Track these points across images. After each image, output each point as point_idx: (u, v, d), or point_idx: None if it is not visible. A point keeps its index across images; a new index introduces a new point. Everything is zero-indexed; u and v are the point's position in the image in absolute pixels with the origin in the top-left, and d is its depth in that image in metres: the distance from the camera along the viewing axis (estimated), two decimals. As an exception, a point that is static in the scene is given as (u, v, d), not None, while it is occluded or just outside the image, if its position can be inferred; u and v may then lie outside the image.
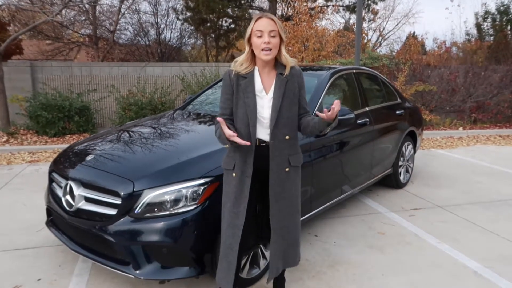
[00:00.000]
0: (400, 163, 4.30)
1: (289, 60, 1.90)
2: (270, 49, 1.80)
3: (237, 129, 1.90)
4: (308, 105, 2.06)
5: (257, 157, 1.91)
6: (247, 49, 1.88)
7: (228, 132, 1.74)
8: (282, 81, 1.89)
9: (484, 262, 2.71)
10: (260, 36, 1.79)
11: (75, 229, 2.34)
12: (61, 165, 2.61)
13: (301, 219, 2.76)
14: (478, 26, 13.40)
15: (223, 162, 2.01)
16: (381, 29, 20.96)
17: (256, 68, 1.92)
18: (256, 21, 1.82)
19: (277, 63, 1.92)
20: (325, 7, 13.58)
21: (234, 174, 1.93)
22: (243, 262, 2.23)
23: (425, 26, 33.44)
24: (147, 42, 14.51)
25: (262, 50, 1.80)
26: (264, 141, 1.92)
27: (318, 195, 2.90)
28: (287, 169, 1.94)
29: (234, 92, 1.91)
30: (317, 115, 1.83)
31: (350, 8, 15.26)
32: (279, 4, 15.99)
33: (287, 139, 1.91)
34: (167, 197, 2.11)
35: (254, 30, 1.81)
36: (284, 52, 1.89)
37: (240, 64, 1.90)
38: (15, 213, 3.50)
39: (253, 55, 1.90)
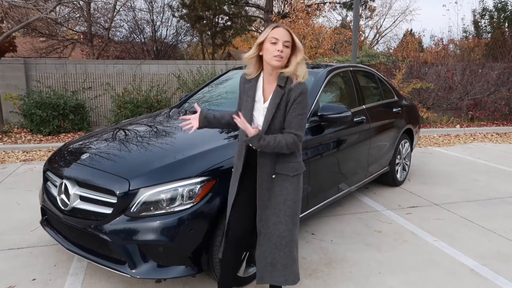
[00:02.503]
0: (397, 161, 4.30)
1: (294, 73, 1.84)
2: (282, 57, 1.83)
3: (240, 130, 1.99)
4: (303, 127, 1.89)
5: (252, 160, 1.93)
6: (253, 51, 1.90)
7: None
8: (278, 93, 1.88)
9: (481, 260, 2.71)
10: (275, 43, 1.82)
11: (70, 228, 2.31)
12: (56, 164, 2.57)
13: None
14: (476, 23, 13.44)
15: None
16: (378, 27, 21.00)
17: (262, 75, 1.95)
18: (273, 28, 1.85)
19: (280, 74, 1.89)
20: (322, 4, 13.57)
21: (233, 170, 2.03)
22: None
23: (422, 23, 33.59)
24: (143, 40, 14.40)
25: (275, 56, 1.82)
26: None
27: (315, 193, 2.89)
28: (273, 176, 1.92)
29: (241, 95, 2.02)
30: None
31: (347, 5, 15.27)
32: (276, 1, 15.95)
33: None
34: (163, 196, 2.09)
35: (270, 36, 1.83)
36: (294, 65, 1.84)
37: (248, 71, 1.96)
38: (9, 212, 3.46)
39: (259, 61, 1.92)
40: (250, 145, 1.89)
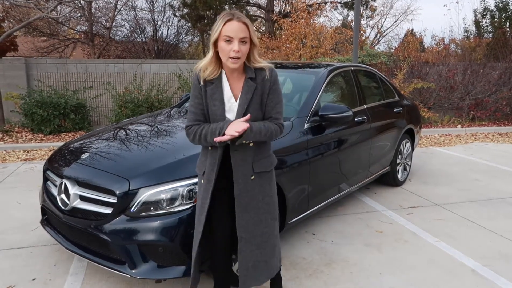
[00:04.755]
0: (398, 161, 4.29)
1: (261, 64, 1.75)
2: (239, 58, 1.64)
3: None
4: (282, 115, 1.82)
5: (228, 166, 1.79)
6: (211, 53, 1.69)
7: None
8: (250, 87, 1.73)
9: (482, 260, 2.70)
10: (229, 42, 1.61)
11: (70, 228, 2.31)
12: (56, 163, 2.57)
13: (299, 217, 2.76)
14: (477, 23, 13.41)
15: (197, 166, 1.94)
16: (379, 26, 20.98)
17: (223, 72, 1.75)
18: (225, 23, 1.61)
19: (246, 66, 1.75)
20: (323, 4, 13.55)
21: (202, 181, 1.86)
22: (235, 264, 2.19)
23: (423, 23, 33.51)
24: (144, 39, 14.41)
25: (230, 57, 1.63)
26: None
27: (316, 193, 2.88)
28: (252, 177, 1.80)
29: (203, 99, 1.77)
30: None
31: (348, 5, 15.23)
32: (277, 0, 15.93)
33: (251, 146, 1.77)
34: (163, 196, 2.08)
35: (223, 34, 1.61)
36: (256, 56, 1.73)
37: (204, 69, 1.73)
38: (9, 211, 3.46)
39: (218, 59, 1.72)
40: (244, 141, 1.69)
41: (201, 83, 1.75)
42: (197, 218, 1.90)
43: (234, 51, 1.62)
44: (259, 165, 1.82)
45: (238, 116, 1.74)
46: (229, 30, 1.61)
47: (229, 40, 1.62)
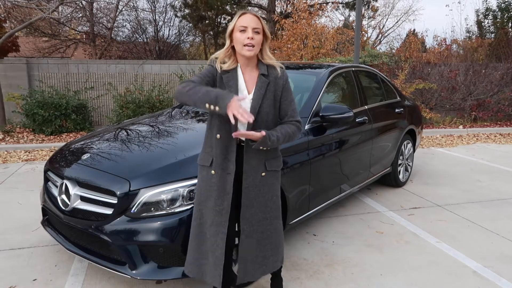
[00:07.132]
0: (400, 161, 4.28)
1: (273, 61, 1.85)
2: (253, 45, 1.74)
3: (219, 125, 1.81)
4: (297, 111, 1.88)
5: (238, 156, 1.82)
6: (227, 44, 1.80)
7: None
8: (263, 82, 1.81)
9: (483, 262, 2.69)
10: (244, 31, 1.73)
11: (71, 229, 2.31)
12: (57, 164, 2.57)
13: (299, 218, 2.75)
14: (479, 23, 13.39)
15: (199, 159, 1.93)
16: (381, 27, 20.95)
17: (239, 65, 1.84)
18: (240, 16, 1.76)
19: (260, 62, 1.85)
20: (324, 4, 13.53)
21: (213, 172, 1.84)
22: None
23: (425, 24, 33.45)
24: (145, 40, 14.45)
25: (245, 45, 1.73)
26: (244, 141, 1.83)
27: (317, 194, 2.88)
28: (263, 174, 1.85)
29: (217, 86, 1.82)
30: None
31: (350, 5, 15.22)
32: (278, 1, 15.93)
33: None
34: (163, 197, 2.08)
35: (238, 25, 1.74)
36: (268, 52, 1.83)
37: (221, 61, 1.82)
38: (10, 212, 3.47)
39: (234, 52, 1.82)
40: (261, 147, 1.75)
41: (218, 70, 1.82)
42: (213, 208, 1.83)
43: (248, 38, 1.72)
44: (271, 164, 1.88)
45: (252, 111, 1.78)
46: (243, 21, 1.75)
47: (243, 29, 1.74)
